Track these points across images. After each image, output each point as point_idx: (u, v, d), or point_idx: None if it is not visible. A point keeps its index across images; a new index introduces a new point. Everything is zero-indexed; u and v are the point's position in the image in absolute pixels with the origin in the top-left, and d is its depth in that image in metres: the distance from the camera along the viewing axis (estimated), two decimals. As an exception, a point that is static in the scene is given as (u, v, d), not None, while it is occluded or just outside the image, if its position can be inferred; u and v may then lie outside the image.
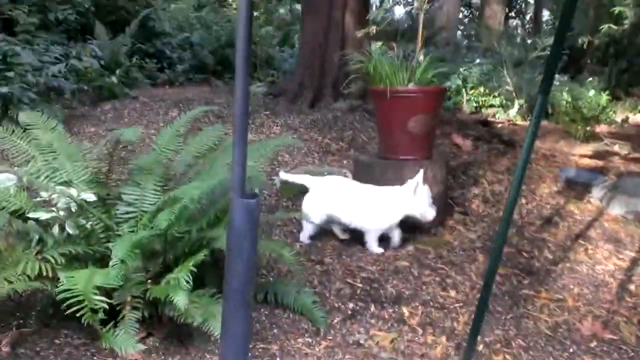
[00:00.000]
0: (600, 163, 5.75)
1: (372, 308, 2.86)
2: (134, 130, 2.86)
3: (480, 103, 7.91)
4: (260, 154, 2.68)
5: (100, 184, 2.77)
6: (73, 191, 2.51)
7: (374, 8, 10.10)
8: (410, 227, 3.49)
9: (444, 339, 2.67)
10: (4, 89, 4.54)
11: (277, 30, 11.90)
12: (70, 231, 2.45)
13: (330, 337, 2.62)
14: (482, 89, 7.90)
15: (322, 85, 5.99)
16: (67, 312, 2.07)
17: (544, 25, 17.03)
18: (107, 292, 2.19)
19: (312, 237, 3.43)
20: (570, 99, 7.44)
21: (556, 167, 5.15)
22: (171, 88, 7.35)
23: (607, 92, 8.22)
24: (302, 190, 3.56)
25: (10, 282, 2.17)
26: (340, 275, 3.12)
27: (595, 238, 3.84)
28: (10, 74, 4.76)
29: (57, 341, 2.41)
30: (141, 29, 8.03)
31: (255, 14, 11.04)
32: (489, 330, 2.77)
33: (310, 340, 2.59)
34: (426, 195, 3.32)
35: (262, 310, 2.75)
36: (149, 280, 2.39)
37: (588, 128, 6.93)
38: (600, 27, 8.78)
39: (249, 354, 2.15)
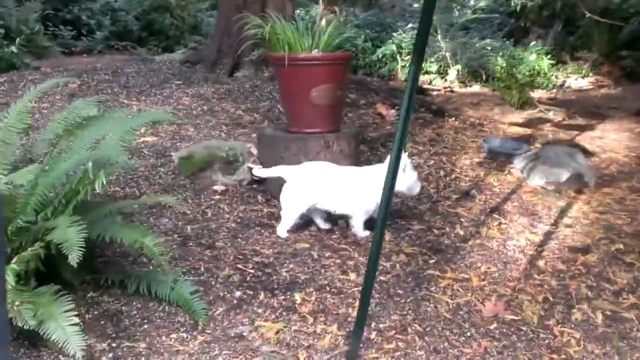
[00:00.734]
0: (529, 131, 5.63)
1: (262, 296, 2.64)
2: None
3: (417, 69, 7.70)
4: (125, 130, 2.38)
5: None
6: None
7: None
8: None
9: (335, 327, 2.47)
10: None
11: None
12: None
13: (208, 331, 2.40)
14: (417, 55, 7.69)
15: (243, 53, 5.66)
16: None
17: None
18: None
19: (289, 231, 3.18)
20: (505, 64, 7.26)
21: (482, 137, 5.00)
22: (88, 57, 6.88)
23: (549, 56, 8.11)
24: (202, 167, 3.29)
25: None
26: (230, 260, 2.88)
27: (510, 212, 3.69)
28: None
29: None
30: (56, -6, 7.50)
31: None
32: (385, 315, 2.58)
33: (185, 335, 2.36)
34: (412, 170, 3.24)
35: (134, 303, 2.50)
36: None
37: (523, 94, 6.77)
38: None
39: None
